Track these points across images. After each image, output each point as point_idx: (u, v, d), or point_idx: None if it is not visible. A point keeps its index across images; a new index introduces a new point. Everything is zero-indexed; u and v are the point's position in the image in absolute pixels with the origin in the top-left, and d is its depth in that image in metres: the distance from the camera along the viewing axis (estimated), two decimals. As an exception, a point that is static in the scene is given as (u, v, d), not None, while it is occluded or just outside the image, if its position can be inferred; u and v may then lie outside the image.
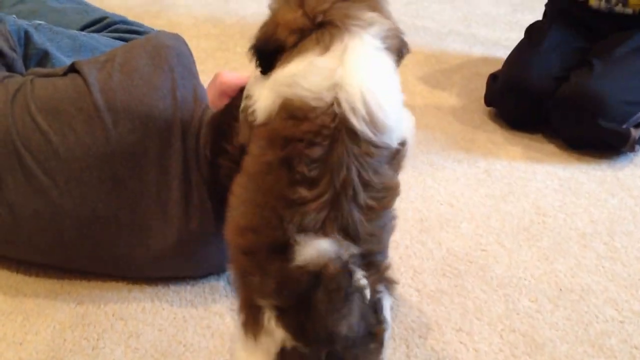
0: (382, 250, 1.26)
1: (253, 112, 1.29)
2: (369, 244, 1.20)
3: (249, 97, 1.35)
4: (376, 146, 1.21)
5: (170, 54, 1.73)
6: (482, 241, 2.02)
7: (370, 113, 1.19)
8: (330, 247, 1.12)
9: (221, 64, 3.13)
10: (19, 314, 1.69)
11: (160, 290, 1.78)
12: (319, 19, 1.27)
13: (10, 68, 1.97)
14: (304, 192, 1.17)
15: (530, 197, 2.24)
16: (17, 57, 2.02)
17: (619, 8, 2.58)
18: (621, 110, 2.40)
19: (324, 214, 1.17)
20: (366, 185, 1.19)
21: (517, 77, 2.60)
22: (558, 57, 2.61)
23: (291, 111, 1.20)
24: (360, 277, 1.14)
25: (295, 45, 1.28)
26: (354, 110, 1.18)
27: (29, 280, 1.79)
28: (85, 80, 1.68)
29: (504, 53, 2.82)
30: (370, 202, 1.20)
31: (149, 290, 1.77)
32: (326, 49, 1.23)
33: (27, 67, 2.04)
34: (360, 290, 1.13)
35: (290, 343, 1.14)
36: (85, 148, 1.63)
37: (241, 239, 1.25)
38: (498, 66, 2.76)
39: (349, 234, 1.18)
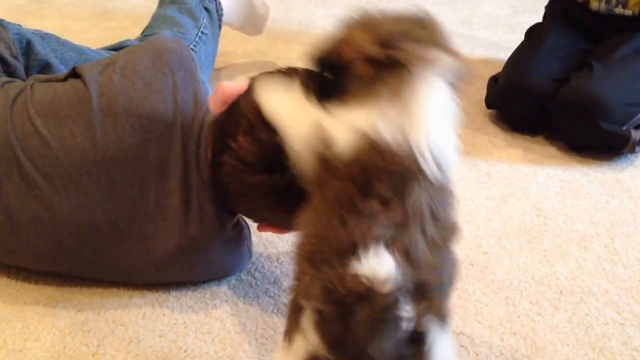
0: (440, 285, 1.21)
1: (333, 147, 1.27)
2: (426, 274, 1.17)
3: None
4: (443, 185, 1.24)
5: (171, 58, 1.74)
6: (483, 244, 2.02)
7: (436, 159, 1.22)
8: (390, 267, 1.11)
9: (221, 67, 3.14)
10: (18, 321, 1.69)
11: (161, 296, 1.78)
12: (391, 54, 1.27)
13: (11, 76, 1.97)
14: (376, 205, 1.17)
15: (531, 199, 2.25)
16: (19, 65, 2.03)
17: (618, 10, 2.58)
18: (621, 111, 2.40)
19: (392, 232, 1.16)
20: (435, 218, 1.21)
21: (517, 79, 2.61)
22: (558, 59, 2.61)
23: (372, 145, 1.21)
24: (404, 307, 1.11)
25: (366, 81, 1.28)
26: (423, 155, 1.21)
27: (28, 288, 1.79)
28: (86, 84, 1.69)
29: (505, 55, 2.81)
30: (436, 237, 1.20)
31: (149, 296, 1.77)
32: (397, 96, 1.25)
33: (28, 77, 2.04)
34: (399, 320, 1.10)
35: (323, 352, 1.12)
36: (84, 153, 1.63)
37: (306, 245, 1.25)
38: (499, 68, 2.76)
39: (409, 259, 1.15)
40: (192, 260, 1.75)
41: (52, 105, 1.68)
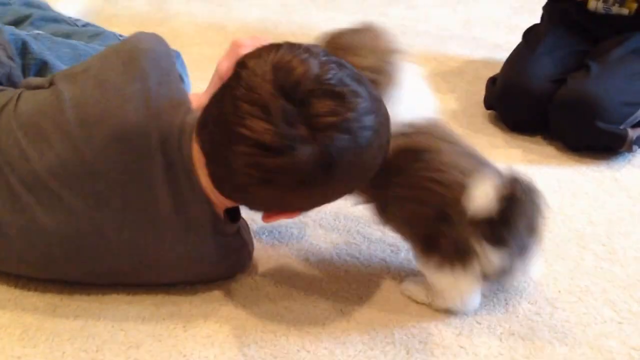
0: None
1: None
2: None
3: None
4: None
5: (144, 59, 1.70)
6: (482, 244, 2.01)
7: None
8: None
9: (223, 72, 3.14)
10: (17, 327, 1.68)
11: (160, 300, 1.78)
12: None
13: (8, 77, 1.97)
14: None
15: (529, 199, 2.24)
16: (15, 66, 2.02)
17: (615, 8, 2.59)
18: (618, 111, 2.41)
19: None
20: None
21: (514, 80, 2.61)
22: (555, 61, 2.62)
23: None
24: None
25: None
26: None
27: (27, 294, 1.78)
28: (60, 94, 1.67)
29: (504, 56, 2.81)
30: None
31: (148, 300, 1.77)
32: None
33: (26, 77, 2.04)
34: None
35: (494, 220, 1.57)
36: (63, 165, 1.62)
37: None
38: (499, 69, 2.76)
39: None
40: (189, 267, 1.74)
41: (31, 117, 1.68)
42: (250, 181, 1.49)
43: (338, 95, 1.44)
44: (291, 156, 1.42)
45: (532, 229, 1.62)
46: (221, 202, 1.67)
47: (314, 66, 1.45)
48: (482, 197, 1.55)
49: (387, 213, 1.78)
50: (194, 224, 1.67)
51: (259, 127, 1.42)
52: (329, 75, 1.45)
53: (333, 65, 1.48)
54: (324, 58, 1.49)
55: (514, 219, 1.56)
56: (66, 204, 1.63)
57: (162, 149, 1.63)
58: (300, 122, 1.42)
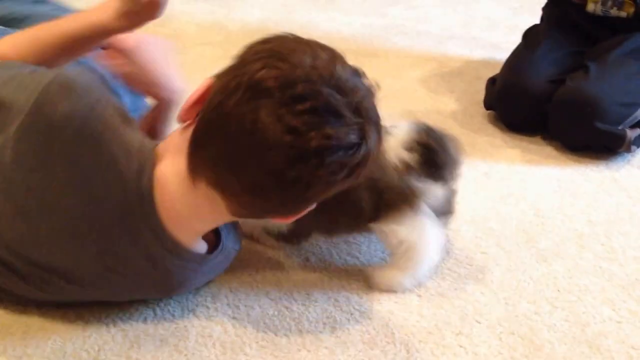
0: None
1: None
2: None
3: None
4: None
5: (66, 130, 1.45)
6: (482, 244, 2.03)
7: None
8: None
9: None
10: (18, 327, 1.68)
11: (162, 300, 1.77)
12: None
13: None
14: None
15: (529, 199, 2.26)
16: None
17: (614, 11, 2.59)
18: (616, 112, 2.42)
19: None
20: None
21: (514, 81, 2.62)
22: (554, 61, 2.63)
23: None
24: None
25: None
26: None
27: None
28: None
29: (504, 56, 2.83)
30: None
31: (150, 300, 1.77)
32: None
33: None
34: None
35: None
36: (19, 245, 1.54)
37: None
38: (499, 69, 2.77)
39: None
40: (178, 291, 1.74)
41: None
42: (324, 189, 1.42)
43: (355, 71, 1.38)
44: (366, 143, 1.36)
45: (451, 158, 1.84)
46: (202, 232, 1.62)
47: (325, 54, 1.36)
48: (398, 145, 1.72)
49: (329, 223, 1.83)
50: (173, 276, 1.63)
51: (339, 133, 1.32)
52: (337, 54, 1.38)
53: (325, 48, 1.38)
54: (314, 45, 1.39)
55: (435, 151, 1.76)
56: (38, 279, 1.59)
57: (120, 223, 1.50)
58: (350, 109, 1.33)
